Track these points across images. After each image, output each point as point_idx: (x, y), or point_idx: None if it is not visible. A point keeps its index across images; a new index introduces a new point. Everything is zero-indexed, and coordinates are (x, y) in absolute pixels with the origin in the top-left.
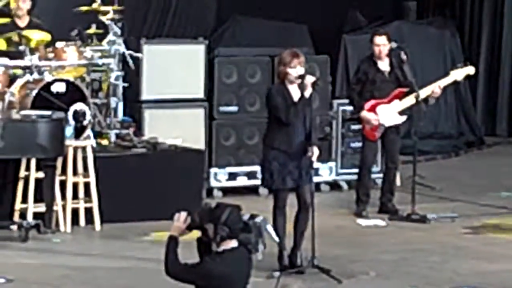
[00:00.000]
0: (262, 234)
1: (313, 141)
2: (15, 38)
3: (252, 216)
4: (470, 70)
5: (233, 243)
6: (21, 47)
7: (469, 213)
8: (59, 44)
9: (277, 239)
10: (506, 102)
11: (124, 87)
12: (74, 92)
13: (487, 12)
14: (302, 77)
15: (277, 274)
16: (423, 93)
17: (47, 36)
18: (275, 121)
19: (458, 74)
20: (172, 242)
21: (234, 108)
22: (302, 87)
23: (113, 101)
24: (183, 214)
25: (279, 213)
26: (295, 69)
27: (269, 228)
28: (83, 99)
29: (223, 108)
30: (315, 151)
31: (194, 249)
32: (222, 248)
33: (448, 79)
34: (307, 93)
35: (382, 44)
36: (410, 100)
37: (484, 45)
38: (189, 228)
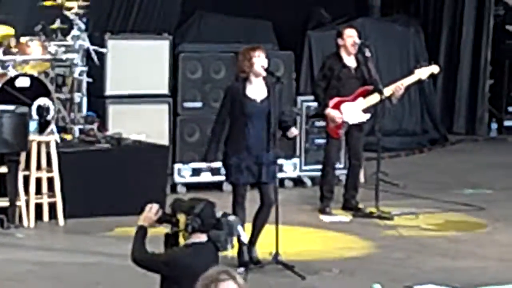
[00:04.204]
0: (233, 233)
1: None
2: None
3: (225, 214)
4: (435, 69)
5: (203, 238)
6: None
7: (433, 210)
8: (23, 39)
9: (246, 240)
10: (464, 99)
11: (88, 82)
12: (38, 87)
13: (447, 9)
14: (267, 70)
15: (241, 270)
16: (387, 91)
17: (10, 31)
18: (233, 118)
19: (423, 73)
20: (141, 231)
21: (198, 104)
22: (267, 81)
23: (77, 96)
24: (155, 206)
25: (238, 208)
26: (260, 59)
27: (240, 228)
28: (47, 94)
29: (187, 104)
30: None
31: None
32: (191, 241)
33: (412, 78)
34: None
35: (354, 35)
36: (374, 98)
37: (443, 42)
38: (159, 221)
